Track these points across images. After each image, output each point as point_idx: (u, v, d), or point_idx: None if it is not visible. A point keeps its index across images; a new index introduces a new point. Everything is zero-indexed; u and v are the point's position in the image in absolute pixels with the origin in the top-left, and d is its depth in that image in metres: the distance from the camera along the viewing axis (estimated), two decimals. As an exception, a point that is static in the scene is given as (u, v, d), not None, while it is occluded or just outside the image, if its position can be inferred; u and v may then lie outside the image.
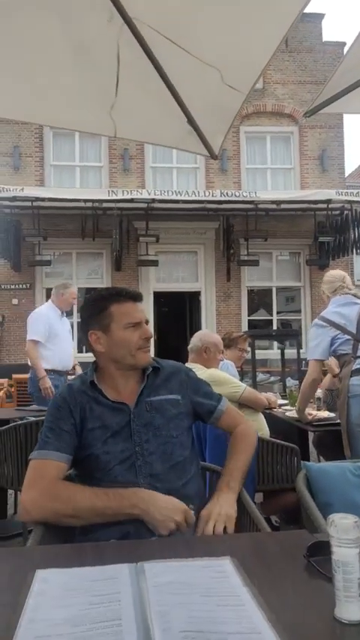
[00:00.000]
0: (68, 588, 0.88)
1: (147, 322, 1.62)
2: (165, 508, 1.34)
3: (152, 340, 1.72)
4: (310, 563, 1.02)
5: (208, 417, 1.70)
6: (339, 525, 0.85)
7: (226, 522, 1.37)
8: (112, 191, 10.15)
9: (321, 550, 1.00)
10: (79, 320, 1.70)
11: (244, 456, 1.62)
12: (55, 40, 1.91)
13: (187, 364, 3.25)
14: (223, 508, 1.40)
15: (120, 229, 10.38)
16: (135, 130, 2.23)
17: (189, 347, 3.27)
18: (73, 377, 2.68)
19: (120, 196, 9.91)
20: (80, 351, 11.42)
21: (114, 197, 9.90)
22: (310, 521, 1.50)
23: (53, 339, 4.48)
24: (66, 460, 1.45)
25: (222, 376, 3.06)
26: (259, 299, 12.22)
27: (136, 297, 1.62)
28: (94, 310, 1.59)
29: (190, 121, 2.30)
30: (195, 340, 3.23)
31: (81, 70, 2.01)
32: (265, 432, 3.13)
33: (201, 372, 3.04)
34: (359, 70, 2.09)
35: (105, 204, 10.14)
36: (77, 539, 1.42)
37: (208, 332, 3.51)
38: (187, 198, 10.03)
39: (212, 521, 1.36)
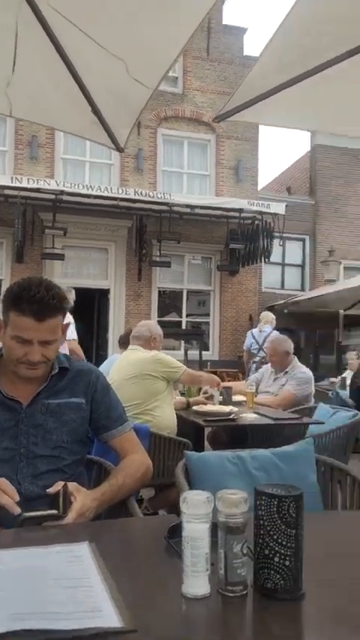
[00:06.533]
0: None
1: (48, 343, 1.41)
2: None
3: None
4: (169, 544, 1.04)
5: (100, 432, 1.57)
6: (190, 501, 0.88)
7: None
8: (17, 178, 9.71)
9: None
10: None
11: (129, 484, 1.47)
12: None
13: (130, 347, 3.45)
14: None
15: (23, 219, 9.98)
16: (34, 111, 2.16)
17: (132, 334, 3.48)
18: None
19: (25, 184, 9.50)
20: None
21: (18, 184, 9.47)
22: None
23: None
24: None
25: (164, 357, 3.23)
26: (170, 301, 12.37)
27: (40, 316, 1.38)
28: (3, 302, 1.47)
29: (95, 110, 2.27)
30: (143, 330, 3.43)
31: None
32: (172, 430, 3.16)
33: (145, 352, 3.28)
34: (269, 80, 2.16)
35: (7, 192, 9.68)
36: None
37: (153, 323, 3.69)
38: (99, 193, 9.89)
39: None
